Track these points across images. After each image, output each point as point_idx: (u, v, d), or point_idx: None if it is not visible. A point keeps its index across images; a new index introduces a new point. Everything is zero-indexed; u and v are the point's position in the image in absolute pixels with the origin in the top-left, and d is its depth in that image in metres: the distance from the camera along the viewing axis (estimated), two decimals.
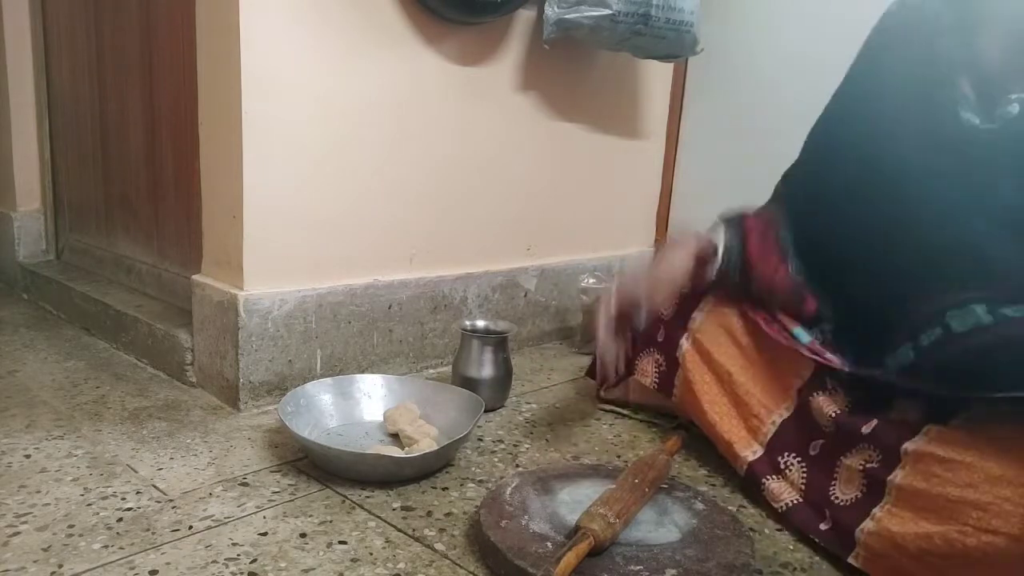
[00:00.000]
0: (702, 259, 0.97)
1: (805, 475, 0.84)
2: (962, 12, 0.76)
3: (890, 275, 0.85)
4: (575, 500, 0.79)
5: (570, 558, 0.65)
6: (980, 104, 0.78)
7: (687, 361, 1.01)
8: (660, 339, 1.07)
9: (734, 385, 0.96)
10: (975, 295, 0.75)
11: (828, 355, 0.87)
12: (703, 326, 1.02)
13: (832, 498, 0.79)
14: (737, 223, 0.97)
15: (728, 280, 0.96)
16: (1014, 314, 0.72)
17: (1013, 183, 0.75)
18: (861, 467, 0.77)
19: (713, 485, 0.94)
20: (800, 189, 0.98)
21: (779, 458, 0.87)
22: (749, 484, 0.90)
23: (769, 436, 0.90)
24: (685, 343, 1.02)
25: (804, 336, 0.90)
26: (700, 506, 0.80)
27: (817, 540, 0.78)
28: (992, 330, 0.73)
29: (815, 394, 0.87)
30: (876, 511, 0.73)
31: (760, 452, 0.90)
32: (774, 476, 0.87)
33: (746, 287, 0.95)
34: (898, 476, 0.72)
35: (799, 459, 0.85)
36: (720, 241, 0.95)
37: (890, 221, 0.86)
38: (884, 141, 0.86)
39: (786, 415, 0.90)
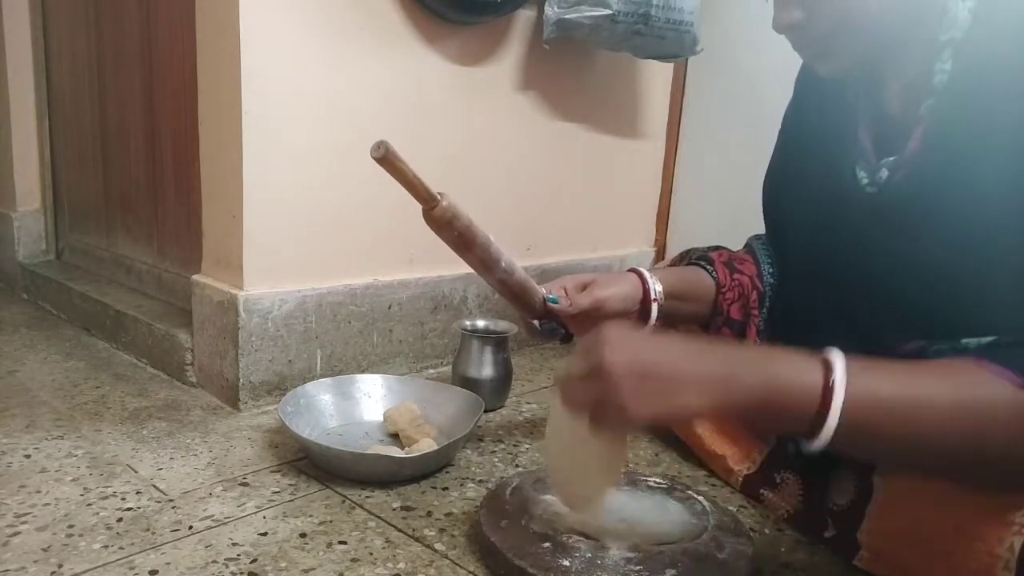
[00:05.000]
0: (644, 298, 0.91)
1: (802, 490, 0.84)
2: (870, 66, 0.76)
3: (810, 324, 0.85)
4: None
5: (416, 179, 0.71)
6: (874, 158, 0.77)
7: None
8: None
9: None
10: None
11: None
12: None
13: (832, 505, 0.79)
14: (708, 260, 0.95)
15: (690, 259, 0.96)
16: None
17: (883, 257, 0.74)
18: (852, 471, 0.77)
19: (713, 485, 0.94)
20: (767, 212, 0.98)
21: (775, 475, 0.87)
22: (747, 495, 0.90)
23: (763, 456, 0.90)
24: None
25: None
26: (700, 506, 0.80)
27: (823, 546, 0.79)
28: None
29: None
30: (869, 509, 0.73)
31: (755, 468, 0.90)
32: (771, 490, 0.87)
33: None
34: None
35: (795, 475, 0.85)
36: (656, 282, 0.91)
37: (803, 272, 0.86)
38: (799, 190, 0.86)
39: (772, 445, 0.90)
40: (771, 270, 0.93)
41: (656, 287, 0.88)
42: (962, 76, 0.68)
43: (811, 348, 0.84)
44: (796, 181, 0.88)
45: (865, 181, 0.76)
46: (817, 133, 0.85)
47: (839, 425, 0.55)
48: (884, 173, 0.74)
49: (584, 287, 0.88)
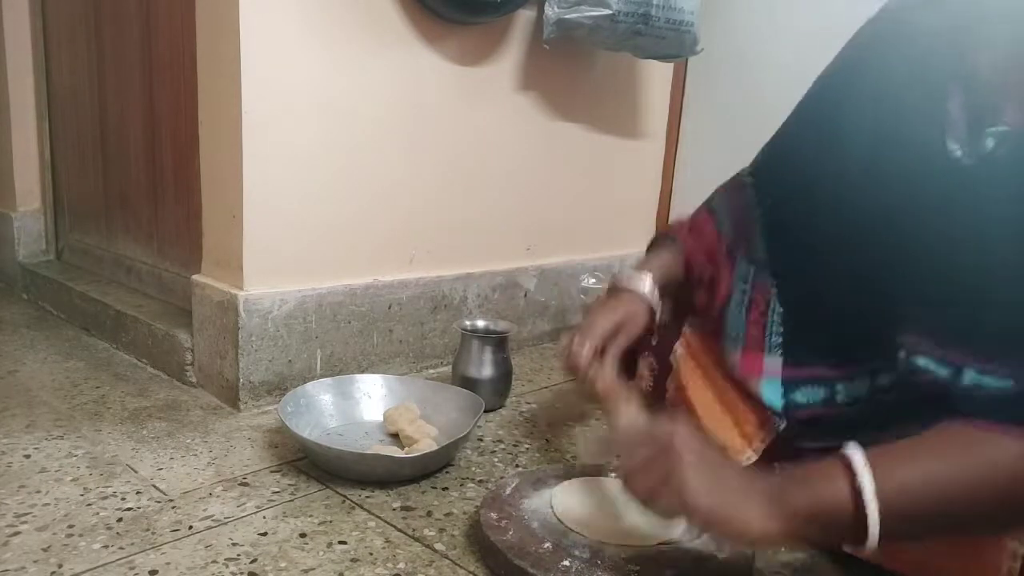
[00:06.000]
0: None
1: None
2: (961, 28, 0.71)
3: (857, 292, 0.81)
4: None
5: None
6: (967, 131, 0.72)
7: (681, 366, 1.02)
8: (653, 343, 1.08)
9: (725, 392, 0.96)
10: (918, 347, 0.72)
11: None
12: (694, 336, 1.02)
13: None
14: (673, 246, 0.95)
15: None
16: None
17: (990, 229, 0.69)
18: None
19: None
20: (775, 174, 0.93)
21: (774, 464, 0.87)
22: None
23: (764, 445, 0.90)
24: (679, 348, 1.03)
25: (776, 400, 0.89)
26: None
27: None
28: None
29: None
30: None
31: (755, 458, 0.90)
32: None
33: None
34: None
35: (794, 464, 0.85)
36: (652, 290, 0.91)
37: (864, 239, 0.82)
38: (865, 158, 0.81)
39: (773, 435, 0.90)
40: (728, 222, 0.93)
41: (658, 311, 0.93)
42: None
43: (834, 346, 0.83)
44: (841, 159, 0.82)
45: (959, 154, 0.71)
46: (887, 106, 0.79)
47: (880, 536, 0.59)
48: (989, 143, 0.69)
49: (602, 349, 0.88)
